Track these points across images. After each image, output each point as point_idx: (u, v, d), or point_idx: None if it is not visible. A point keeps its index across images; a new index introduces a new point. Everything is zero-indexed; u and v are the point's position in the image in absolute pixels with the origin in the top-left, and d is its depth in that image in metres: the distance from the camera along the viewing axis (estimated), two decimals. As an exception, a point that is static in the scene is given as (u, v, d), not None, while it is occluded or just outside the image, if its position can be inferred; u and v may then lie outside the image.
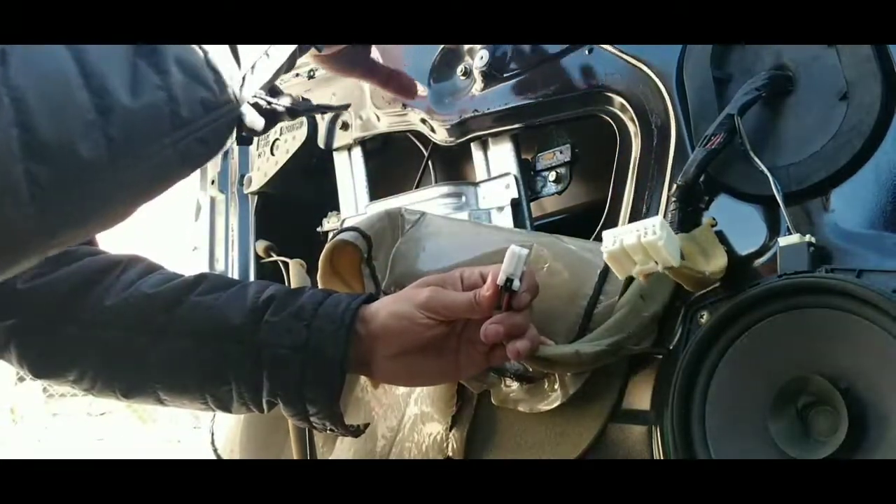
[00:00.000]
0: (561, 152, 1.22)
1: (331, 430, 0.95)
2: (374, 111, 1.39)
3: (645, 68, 1.05)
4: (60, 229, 0.70)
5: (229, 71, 0.79)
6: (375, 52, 1.05)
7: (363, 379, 1.22)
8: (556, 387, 0.99)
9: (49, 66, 0.68)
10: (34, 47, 0.70)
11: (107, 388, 0.97)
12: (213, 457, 1.39)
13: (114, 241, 1.32)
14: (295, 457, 1.16)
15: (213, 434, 1.40)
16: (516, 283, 0.86)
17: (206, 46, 0.79)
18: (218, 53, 0.79)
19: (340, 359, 0.90)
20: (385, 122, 1.39)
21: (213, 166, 1.69)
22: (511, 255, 0.86)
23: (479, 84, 1.23)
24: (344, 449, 1.23)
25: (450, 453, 1.08)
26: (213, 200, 1.69)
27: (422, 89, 1.31)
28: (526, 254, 0.86)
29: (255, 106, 0.86)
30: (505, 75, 1.21)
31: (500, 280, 0.86)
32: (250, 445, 1.33)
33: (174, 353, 0.93)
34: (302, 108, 0.93)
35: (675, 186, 0.93)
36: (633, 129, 1.05)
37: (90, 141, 0.67)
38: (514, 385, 1.03)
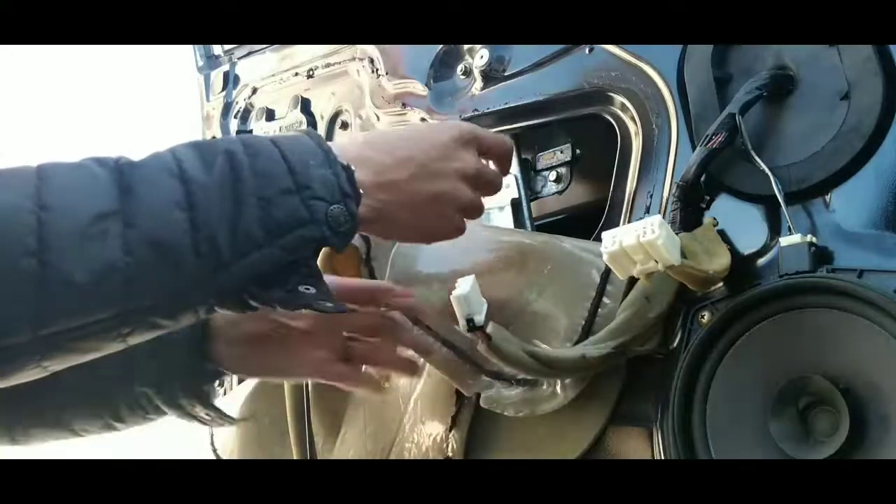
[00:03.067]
0: (561, 152, 1.22)
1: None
2: (373, 111, 1.39)
3: (645, 68, 1.05)
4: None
5: None
6: None
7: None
8: (556, 390, 0.98)
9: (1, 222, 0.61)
10: (3, 184, 0.63)
11: None
12: (212, 457, 1.39)
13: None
14: (295, 457, 1.15)
15: (212, 434, 1.39)
16: (478, 319, 0.82)
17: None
18: None
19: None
20: (384, 121, 1.38)
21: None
22: (455, 300, 0.83)
23: (479, 83, 1.23)
24: (344, 449, 1.23)
25: (450, 453, 1.08)
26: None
27: (422, 88, 1.31)
28: (466, 291, 0.82)
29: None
30: (505, 75, 1.20)
31: (463, 327, 0.83)
32: (250, 445, 1.33)
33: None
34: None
35: (676, 186, 0.93)
36: (634, 128, 1.05)
37: (17, 318, 0.61)
38: (514, 389, 1.02)
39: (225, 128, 1.68)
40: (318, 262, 1.08)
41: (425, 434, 1.11)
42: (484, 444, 1.06)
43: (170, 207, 0.65)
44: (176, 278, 0.65)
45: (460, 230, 0.89)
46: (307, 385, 1.16)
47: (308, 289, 0.72)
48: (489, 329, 0.84)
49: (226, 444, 1.36)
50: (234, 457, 1.35)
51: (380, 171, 0.78)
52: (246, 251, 0.67)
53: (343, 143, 0.84)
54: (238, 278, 0.67)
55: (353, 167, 0.73)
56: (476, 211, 0.89)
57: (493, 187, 0.89)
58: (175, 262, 0.65)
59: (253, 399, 1.33)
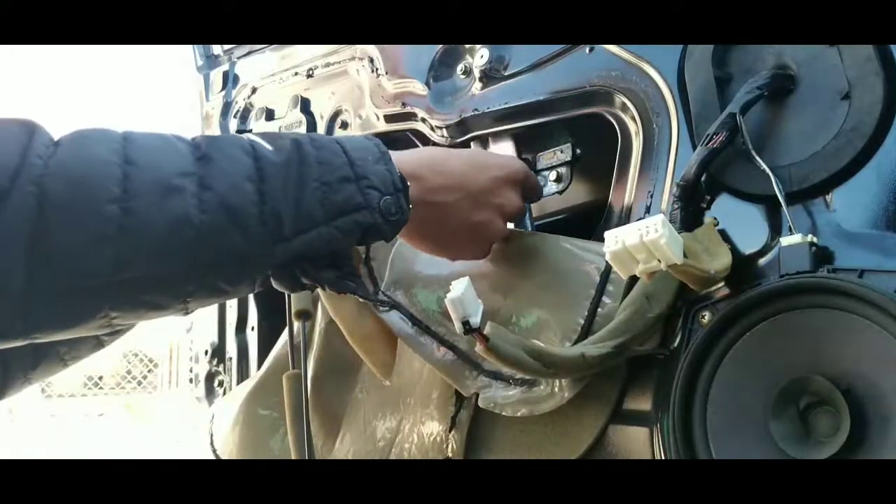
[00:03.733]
0: (562, 152, 1.22)
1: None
2: (373, 110, 1.39)
3: (646, 68, 1.04)
4: (38, 332, 0.69)
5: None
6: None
7: (363, 379, 1.22)
8: (555, 389, 0.98)
9: (89, 171, 0.67)
10: (94, 139, 0.70)
11: None
12: (212, 457, 1.39)
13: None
14: (294, 457, 1.15)
15: (212, 434, 1.40)
16: (474, 321, 0.82)
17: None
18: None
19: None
20: (385, 121, 1.38)
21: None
22: (450, 303, 0.82)
23: (479, 83, 1.23)
24: (344, 449, 1.23)
25: (450, 453, 1.08)
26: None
27: (421, 88, 1.31)
28: (460, 293, 0.82)
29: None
30: (505, 74, 1.20)
31: (459, 329, 0.83)
32: (248, 446, 1.33)
33: None
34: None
35: (676, 186, 0.93)
36: (635, 128, 1.05)
37: (99, 257, 0.66)
38: (513, 389, 1.02)
39: (224, 127, 1.68)
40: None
41: (425, 434, 1.11)
42: (484, 444, 1.06)
43: (242, 178, 0.72)
44: (241, 242, 0.71)
45: (485, 255, 0.98)
46: (306, 385, 1.16)
47: (351, 279, 0.82)
48: (486, 330, 0.84)
49: (225, 444, 1.36)
50: (234, 457, 1.35)
51: (430, 190, 0.87)
52: (305, 228, 0.74)
53: (401, 156, 0.87)
54: (295, 251, 0.74)
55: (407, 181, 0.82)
56: (501, 240, 0.97)
57: (518, 223, 0.99)
58: (242, 227, 0.71)
59: (252, 399, 1.33)
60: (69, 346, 0.99)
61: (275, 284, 0.80)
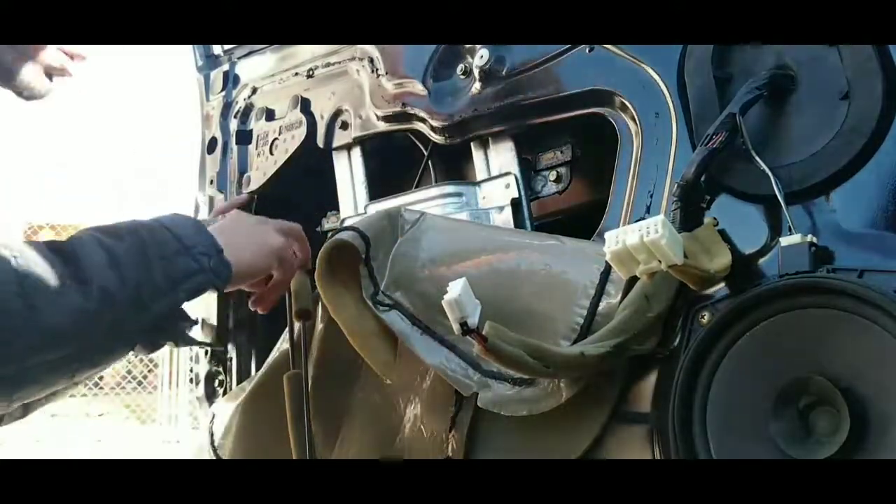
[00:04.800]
0: (561, 152, 1.22)
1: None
2: (373, 110, 1.39)
3: (645, 68, 1.05)
4: None
5: None
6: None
7: (363, 379, 1.22)
8: (554, 389, 0.98)
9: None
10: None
11: None
12: (211, 457, 1.39)
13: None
14: (295, 457, 1.15)
15: (212, 434, 1.39)
16: (472, 321, 0.83)
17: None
18: None
19: None
20: (385, 121, 1.38)
21: (211, 166, 1.69)
22: (447, 305, 0.83)
23: (479, 83, 1.23)
24: (344, 450, 1.23)
25: (450, 453, 1.08)
26: (212, 200, 1.69)
27: (421, 88, 1.31)
28: (457, 294, 0.82)
29: None
30: (505, 74, 1.20)
31: (457, 330, 0.84)
32: (248, 446, 1.33)
33: None
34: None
35: (676, 186, 0.93)
36: (634, 128, 1.05)
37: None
38: (512, 389, 1.02)
39: (224, 127, 1.68)
40: (319, 260, 1.10)
41: (425, 434, 1.11)
42: (484, 443, 1.06)
43: (104, 266, 0.88)
44: (113, 316, 0.88)
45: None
46: (307, 385, 1.16)
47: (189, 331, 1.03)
48: (485, 329, 0.84)
49: (225, 444, 1.36)
50: (234, 457, 1.35)
51: (229, 235, 1.04)
52: (158, 297, 0.92)
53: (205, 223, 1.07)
54: (155, 316, 0.92)
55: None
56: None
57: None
58: (115, 304, 0.88)
59: (252, 399, 1.33)
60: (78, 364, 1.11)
61: (139, 349, 0.96)
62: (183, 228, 0.97)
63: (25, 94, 1.07)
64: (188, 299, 0.96)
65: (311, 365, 1.24)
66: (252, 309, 1.18)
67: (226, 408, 1.38)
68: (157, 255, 0.92)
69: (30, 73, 1.04)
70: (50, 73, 1.07)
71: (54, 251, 0.88)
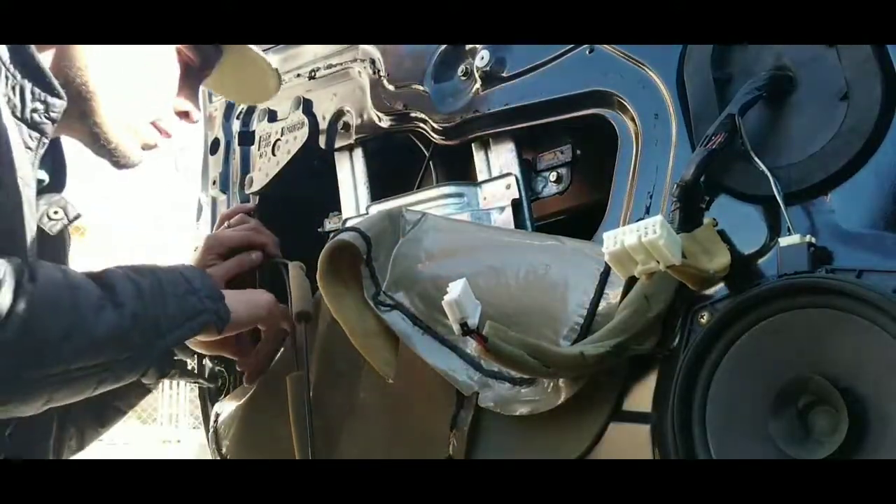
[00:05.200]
0: (562, 152, 1.22)
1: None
2: (375, 112, 1.39)
3: (646, 68, 1.05)
4: None
5: None
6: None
7: (364, 379, 1.22)
8: (554, 389, 0.99)
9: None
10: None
11: None
12: (213, 456, 1.39)
13: (117, 240, 1.32)
14: (297, 457, 1.16)
15: (215, 434, 1.40)
16: (472, 322, 0.83)
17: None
18: None
19: None
20: (386, 122, 1.39)
21: (214, 167, 1.69)
22: (447, 306, 0.83)
23: (479, 84, 1.23)
24: (345, 449, 1.23)
25: (451, 453, 1.08)
26: (214, 201, 1.69)
27: (422, 90, 1.31)
28: (457, 295, 0.83)
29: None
30: (505, 76, 1.21)
31: (457, 331, 0.84)
32: (249, 445, 1.33)
33: None
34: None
35: (675, 186, 0.93)
36: (634, 129, 1.06)
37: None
38: (513, 389, 1.02)
39: (227, 129, 1.68)
40: (321, 260, 1.10)
41: (426, 434, 1.11)
42: (484, 443, 1.06)
43: (133, 296, 1.01)
44: (139, 339, 1.00)
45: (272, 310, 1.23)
46: (309, 386, 1.16)
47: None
48: (485, 330, 0.85)
49: (227, 444, 1.37)
50: (236, 457, 1.36)
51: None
52: (173, 328, 1.05)
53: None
54: (168, 345, 1.05)
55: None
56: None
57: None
58: (140, 328, 1.00)
59: (253, 399, 1.33)
60: (122, 399, 1.32)
61: (151, 373, 1.08)
62: (192, 274, 1.11)
63: (121, 163, 1.19)
64: (194, 334, 1.09)
65: (313, 365, 1.24)
66: (249, 382, 1.31)
67: (227, 408, 1.39)
68: (172, 292, 1.06)
69: (129, 146, 1.17)
70: (144, 146, 1.20)
71: (92, 278, 1.01)
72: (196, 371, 1.38)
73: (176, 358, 1.21)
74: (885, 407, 0.77)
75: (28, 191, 1.04)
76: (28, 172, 1.05)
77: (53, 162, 1.21)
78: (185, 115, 1.24)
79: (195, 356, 1.34)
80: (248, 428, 1.34)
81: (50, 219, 1.18)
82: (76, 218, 1.21)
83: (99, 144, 1.15)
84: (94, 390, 1.00)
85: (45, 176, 1.19)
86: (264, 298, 1.22)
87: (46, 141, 1.08)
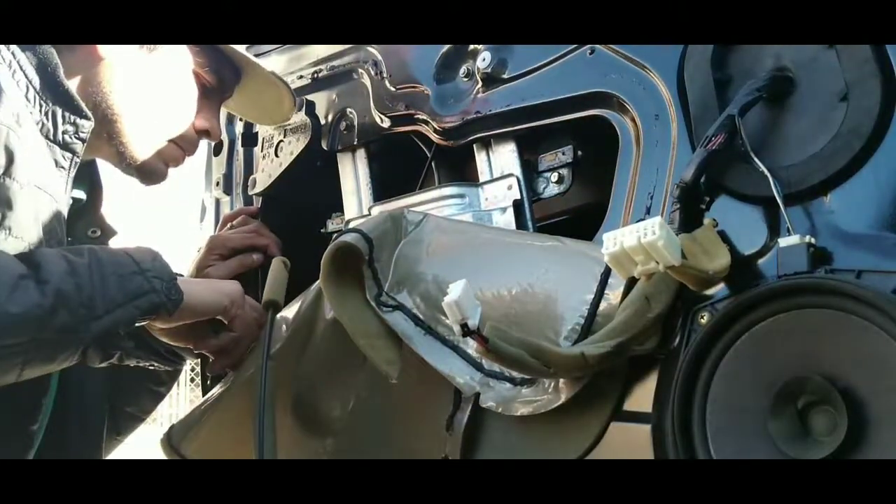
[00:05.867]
0: (563, 153, 1.23)
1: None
2: (377, 113, 1.39)
3: (646, 70, 1.05)
4: None
5: None
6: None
7: (364, 379, 1.22)
8: (555, 389, 0.99)
9: None
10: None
11: None
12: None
13: (119, 241, 1.33)
14: (254, 456, 1.13)
15: (169, 432, 1.38)
16: (472, 322, 0.83)
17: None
18: None
19: None
20: (388, 123, 1.39)
21: (217, 168, 1.69)
22: (447, 307, 0.83)
23: (481, 86, 1.23)
24: (344, 449, 1.23)
25: (446, 453, 1.08)
26: (217, 202, 1.69)
27: (424, 91, 1.31)
28: (457, 296, 0.83)
29: None
30: (507, 77, 1.21)
31: (458, 332, 0.84)
32: (217, 444, 1.32)
33: None
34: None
35: (675, 187, 0.93)
36: (634, 130, 1.06)
37: None
38: (514, 389, 1.03)
39: (230, 130, 1.68)
40: (324, 261, 1.10)
41: (425, 434, 1.11)
42: (485, 443, 1.06)
43: (64, 274, 0.99)
44: (69, 319, 0.98)
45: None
46: (265, 379, 1.15)
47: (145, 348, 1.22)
48: (486, 330, 0.85)
49: (189, 444, 1.35)
50: (200, 457, 1.34)
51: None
52: (111, 308, 1.02)
53: None
54: (106, 326, 1.02)
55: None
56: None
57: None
58: (69, 308, 0.98)
59: (220, 399, 1.31)
60: (133, 404, 1.40)
61: (91, 354, 1.08)
62: (141, 255, 1.09)
63: (147, 180, 1.25)
64: (141, 316, 1.07)
65: (314, 365, 1.25)
66: (212, 371, 1.30)
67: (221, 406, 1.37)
68: (113, 272, 1.04)
69: (154, 164, 1.23)
70: (168, 162, 1.26)
71: (20, 258, 0.99)
72: (151, 353, 1.28)
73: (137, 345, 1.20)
74: (884, 407, 0.77)
75: (56, 205, 1.09)
76: (59, 189, 1.10)
77: (91, 183, 1.29)
78: (205, 133, 1.29)
79: (195, 357, 1.33)
80: (217, 427, 1.32)
81: (88, 237, 1.27)
82: (113, 235, 1.28)
83: (126, 164, 1.21)
84: (21, 371, 0.98)
85: (81, 195, 1.26)
86: (229, 286, 1.20)
87: (78, 160, 1.13)
